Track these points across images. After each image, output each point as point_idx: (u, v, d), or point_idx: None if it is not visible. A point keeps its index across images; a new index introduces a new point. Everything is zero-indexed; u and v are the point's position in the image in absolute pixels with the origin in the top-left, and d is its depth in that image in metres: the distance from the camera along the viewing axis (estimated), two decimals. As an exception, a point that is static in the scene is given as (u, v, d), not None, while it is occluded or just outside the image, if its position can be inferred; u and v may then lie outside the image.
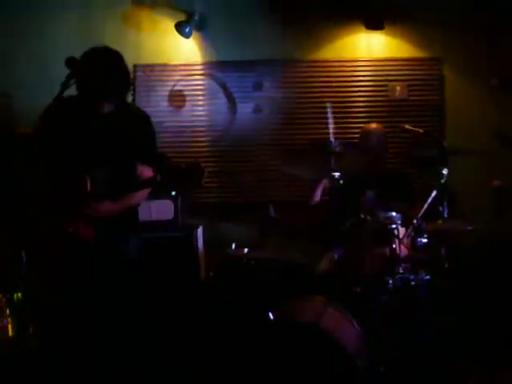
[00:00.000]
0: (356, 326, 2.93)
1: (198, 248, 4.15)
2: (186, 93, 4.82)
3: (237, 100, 4.80)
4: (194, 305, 3.82)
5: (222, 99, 4.81)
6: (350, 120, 4.79)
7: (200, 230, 4.23)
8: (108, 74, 2.64)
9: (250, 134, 4.79)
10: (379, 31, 4.79)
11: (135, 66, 4.70)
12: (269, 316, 2.86)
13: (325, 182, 3.83)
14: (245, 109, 4.80)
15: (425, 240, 3.23)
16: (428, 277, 3.17)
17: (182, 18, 4.65)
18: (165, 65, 4.82)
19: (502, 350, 3.46)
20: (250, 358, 2.71)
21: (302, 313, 2.94)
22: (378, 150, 3.87)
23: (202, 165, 2.66)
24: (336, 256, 3.39)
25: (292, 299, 3.10)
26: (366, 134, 3.97)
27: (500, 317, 3.77)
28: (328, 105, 3.49)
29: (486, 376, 3.22)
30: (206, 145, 4.84)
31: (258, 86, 4.78)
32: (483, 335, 3.67)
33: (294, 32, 4.79)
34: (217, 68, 4.82)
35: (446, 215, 3.39)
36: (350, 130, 4.65)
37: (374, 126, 4.02)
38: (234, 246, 3.67)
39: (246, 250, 3.58)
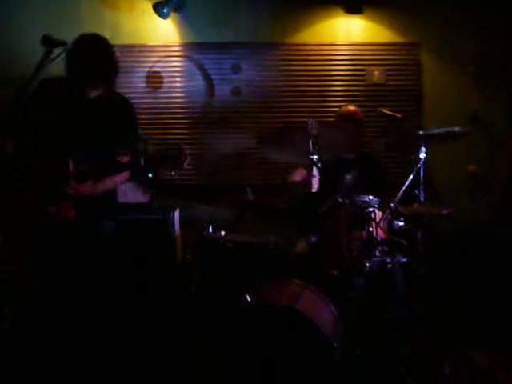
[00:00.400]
0: (333, 308, 2.94)
1: (174, 230, 4.12)
2: (163, 74, 4.77)
3: (215, 82, 4.77)
4: (170, 287, 3.80)
5: (199, 81, 4.78)
6: (328, 104, 4.81)
7: (177, 213, 4.20)
8: (98, 61, 2.68)
9: (228, 116, 4.77)
10: (358, 16, 4.80)
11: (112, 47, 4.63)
12: (246, 298, 2.85)
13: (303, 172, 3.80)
14: (223, 91, 4.78)
15: (401, 223, 3.25)
16: (404, 260, 3.20)
17: (160, -2, 4.58)
18: (142, 46, 4.75)
19: (478, 333, 3.51)
20: (227, 340, 2.71)
21: (279, 296, 2.93)
22: (355, 132, 3.87)
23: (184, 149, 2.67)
24: (313, 239, 3.40)
25: (269, 282, 3.09)
26: (343, 116, 3.97)
27: (475, 299, 3.83)
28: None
29: (461, 358, 3.28)
30: (183, 127, 4.81)
31: (236, 69, 4.75)
32: (458, 318, 3.73)
33: (272, 15, 4.76)
34: (195, 50, 4.78)
35: (422, 199, 3.41)
36: (328, 114, 4.66)
37: (350, 108, 4.00)
38: (210, 229, 3.65)
39: (222, 232, 3.56)
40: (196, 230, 3.77)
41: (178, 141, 4.49)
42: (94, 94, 2.77)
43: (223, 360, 2.68)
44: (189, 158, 2.72)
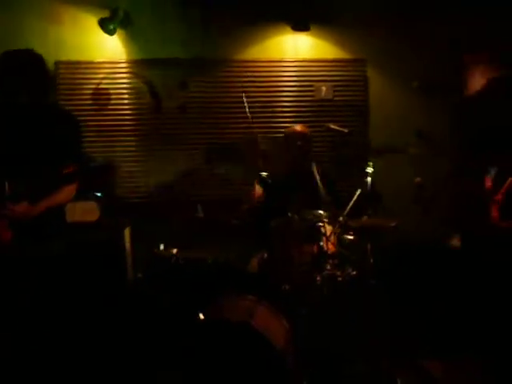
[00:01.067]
0: (285, 323, 2.95)
1: (124, 249, 4.06)
2: (110, 91, 4.71)
3: (162, 99, 4.72)
4: (121, 307, 3.72)
5: (147, 98, 4.72)
6: (277, 120, 4.84)
7: (127, 231, 4.14)
8: (17, 74, 2.62)
9: (176, 133, 4.74)
10: (305, 32, 4.86)
11: (57, 63, 4.56)
12: (199, 316, 2.82)
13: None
14: (171, 108, 4.74)
15: (350, 237, 3.30)
16: (354, 272, 3.24)
17: (105, 14, 4.52)
18: (88, 62, 4.68)
19: (429, 342, 3.58)
20: (181, 358, 2.68)
21: (233, 312, 2.92)
22: (303, 150, 3.92)
23: (115, 163, 2.62)
24: (265, 254, 3.41)
25: (223, 298, 3.08)
26: (290, 135, 4.01)
27: (423, 310, 3.90)
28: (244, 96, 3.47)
29: (413, 367, 3.33)
30: (131, 144, 4.75)
31: (183, 85, 4.73)
32: (410, 328, 3.79)
33: (220, 31, 4.78)
34: (142, 66, 4.73)
35: (370, 212, 3.47)
36: (277, 130, 4.70)
37: (297, 127, 4.05)
38: (162, 246, 3.61)
39: (174, 250, 3.53)
40: (147, 248, 3.73)
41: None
42: (22, 105, 2.70)
43: (179, 376, 2.65)
44: (118, 169, 2.65)
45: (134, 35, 4.71)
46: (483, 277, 3.08)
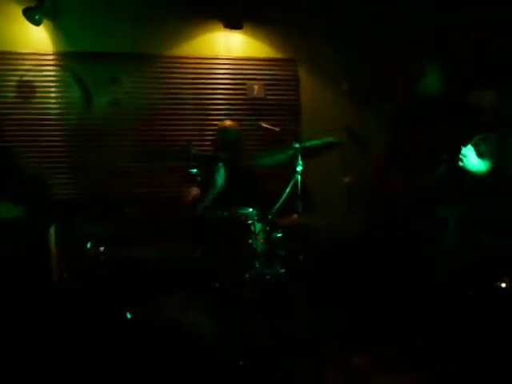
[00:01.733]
0: (216, 320, 2.95)
1: (49, 248, 3.93)
2: (35, 84, 4.53)
3: (92, 93, 4.59)
4: (45, 307, 3.60)
5: (76, 92, 4.58)
6: (209, 117, 4.82)
7: (52, 229, 4.01)
8: None
9: (106, 128, 4.62)
10: (238, 31, 4.86)
11: None
12: (127, 315, 2.78)
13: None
14: (100, 103, 4.61)
15: (279, 235, 3.33)
16: (283, 270, 3.27)
17: (31, 3, 4.33)
18: (12, 53, 4.47)
19: (355, 337, 3.65)
20: (110, 358, 2.67)
21: (163, 310, 2.90)
22: (233, 146, 3.92)
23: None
24: (195, 252, 3.38)
25: (152, 296, 3.05)
26: (221, 131, 4.00)
27: (351, 307, 3.98)
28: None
29: (342, 364, 3.39)
30: (58, 139, 4.59)
31: (114, 80, 4.61)
32: (335, 324, 3.85)
33: (153, 27, 4.70)
34: (71, 59, 4.58)
35: (300, 210, 3.51)
36: (209, 128, 4.68)
37: (228, 123, 4.05)
38: (89, 245, 3.52)
39: (102, 248, 3.45)
40: (74, 247, 3.63)
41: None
42: None
43: (109, 376, 2.62)
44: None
45: (62, 27, 4.55)
46: (408, 273, 3.18)
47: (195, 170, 3.19)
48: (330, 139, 3.60)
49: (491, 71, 4.30)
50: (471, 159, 3.00)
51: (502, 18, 4.25)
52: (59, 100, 4.60)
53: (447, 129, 3.14)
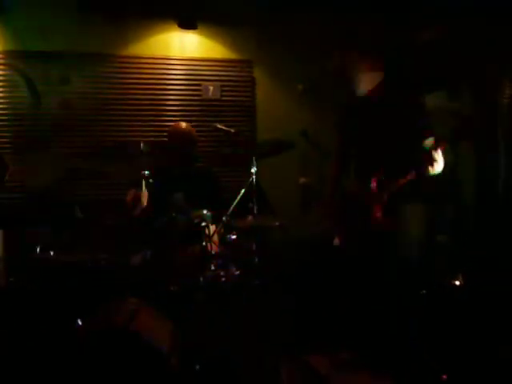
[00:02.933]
0: (170, 324, 2.90)
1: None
2: (-19, 83, 4.39)
3: (41, 93, 4.44)
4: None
5: (24, 92, 4.43)
6: (164, 118, 4.75)
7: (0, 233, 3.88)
8: None
9: (55, 129, 4.50)
10: (192, 31, 4.82)
11: None
12: (77, 322, 2.70)
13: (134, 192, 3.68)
14: (50, 103, 4.47)
15: (234, 237, 3.30)
16: (238, 272, 3.24)
17: (-24, 0, 4.21)
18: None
19: (313, 338, 3.66)
20: (60, 367, 2.57)
21: (112, 316, 2.83)
22: (187, 149, 3.87)
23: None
24: (148, 255, 3.32)
25: (103, 303, 2.98)
26: (174, 133, 3.94)
27: (309, 308, 3.99)
28: None
29: (298, 364, 3.38)
30: (5, 140, 4.45)
31: (65, 80, 4.49)
32: (293, 324, 3.85)
33: (104, 25, 4.61)
34: (19, 58, 4.44)
35: (255, 212, 3.48)
36: (163, 128, 4.60)
37: (181, 125, 3.99)
38: (38, 249, 3.41)
39: (51, 252, 3.36)
40: (23, 251, 3.51)
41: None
42: None
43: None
44: (11, 168, 2.49)
45: (8, 24, 4.42)
46: (363, 273, 3.18)
47: (147, 173, 3.14)
48: (284, 141, 3.58)
49: (441, 74, 4.38)
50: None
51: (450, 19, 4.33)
52: (6, 100, 4.47)
53: (398, 132, 3.14)
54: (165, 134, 4.41)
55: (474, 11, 4.20)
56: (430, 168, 2.96)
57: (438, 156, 2.97)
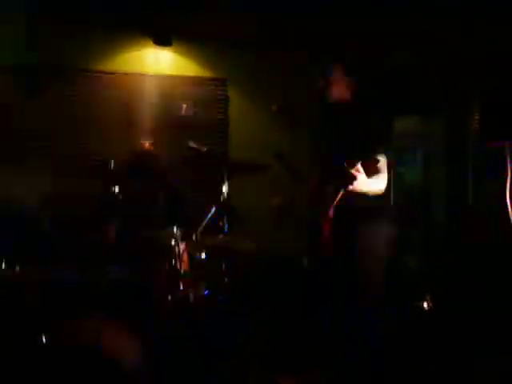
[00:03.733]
0: (138, 343, 2.86)
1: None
2: None
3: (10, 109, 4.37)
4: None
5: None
6: (136, 135, 4.69)
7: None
8: None
9: (24, 142, 4.43)
10: (167, 48, 4.82)
11: None
12: (42, 339, 2.64)
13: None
14: (18, 119, 4.41)
15: (203, 255, 3.27)
16: (207, 291, 3.21)
17: None
18: None
19: (284, 357, 3.64)
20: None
21: (78, 334, 2.79)
22: (150, 168, 3.85)
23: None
24: (116, 272, 3.27)
25: (68, 320, 2.93)
26: (138, 154, 3.92)
27: (278, 327, 3.97)
28: None
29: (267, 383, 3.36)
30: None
31: (33, 95, 4.41)
32: (265, 344, 3.83)
33: (77, 39, 4.57)
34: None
35: (226, 230, 3.47)
36: (136, 146, 4.54)
37: (143, 145, 3.97)
38: (3, 264, 3.34)
39: (17, 267, 3.29)
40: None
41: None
42: None
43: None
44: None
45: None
46: (329, 295, 3.18)
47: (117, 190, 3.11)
48: (257, 162, 3.58)
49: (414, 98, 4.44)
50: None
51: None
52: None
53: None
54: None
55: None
56: (351, 185, 2.86)
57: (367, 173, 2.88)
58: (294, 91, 5.00)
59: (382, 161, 2.95)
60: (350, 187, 2.81)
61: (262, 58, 5.04)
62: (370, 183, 2.90)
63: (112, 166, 3.18)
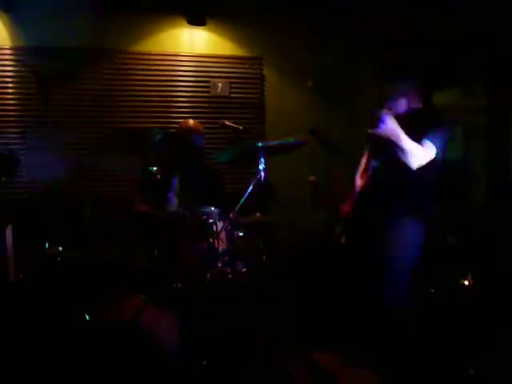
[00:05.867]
0: (176, 321, 2.91)
1: (6, 248, 3.80)
2: (-8, 78, 4.40)
3: (51, 89, 4.45)
4: (2, 309, 3.50)
5: (33, 87, 4.43)
6: (172, 114, 4.76)
7: (9, 229, 3.88)
8: None
9: (65, 126, 4.49)
10: (201, 27, 4.81)
11: None
12: (85, 317, 2.72)
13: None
14: (59, 98, 4.48)
15: (241, 233, 3.29)
16: (244, 269, 3.23)
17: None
18: (-34, 46, 4.33)
19: (319, 334, 3.66)
20: (67, 359, 2.62)
21: (120, 311, 2.86)
22: (195, 146, 3.87)
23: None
24: (155, 252, 3.32)
25: (110, 298, 3.00)
26: (182, 131, 3.94)
27: (315, 305, 3.98)
28: None
29: (304, 359, 3.38)
30: (15, 136, 4.47)
31: (74, 76, 4.49)
32: (300, 321, 3.86)
33: (113, 21, 4.61)
34: (29, 54, 4.45)
35: (263, 208, 3.47)
36: (172, 125, 4.59)
37: (190, 123, 3.98)
38: (47, 245, 3.43)
39: (60, 248, 3.37)
40: (31, 247, 3.52)
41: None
42: None
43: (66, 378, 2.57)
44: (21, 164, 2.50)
45: (19, 20, 4.43)
46: (369, 272, 3.16)
47: (155, 168, 3.13)
48: (293, 140, 3.55)
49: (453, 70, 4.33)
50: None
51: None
52: (17, 95, 4.47)
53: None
54: (172, 130, 4.41)
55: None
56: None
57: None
58: (329, 68, 4.96)
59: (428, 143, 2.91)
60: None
61: (297, 35, 5.00)
62: (407, 142, 2.81)
63: (157, 135, 3.19)
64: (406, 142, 2.81)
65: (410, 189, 3.00)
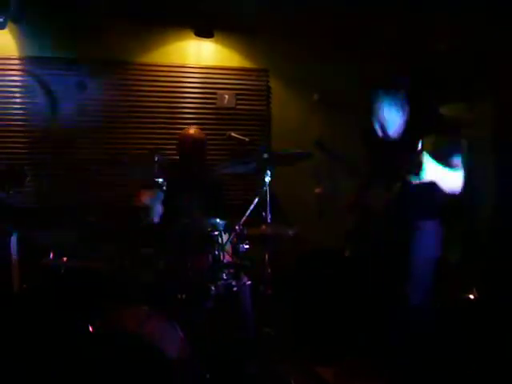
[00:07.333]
0: (180, 333, 2.89)
1: (11, 258, 3.81)
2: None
3: (58, 100, 4.47)
4: (6, 319, 3.49)
5: (41, 98, 4.46)
6: (178, 126, 4.74)
7: (14, 238, 3.89)
8: None
9: (72, 135, 4.50)
10: (208, 39, 4.83)
11: None
12: (88, 328, 2.70)
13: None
14: (67, 109, 4.49)
15: (246, 246, 3.28)
16: (250, 282, 3.22)
17: (-5, 6, 4.24)
18: (-27, 56, 4.36)
19: (323, 348, 3.64)
20: (70, 369, 2.57)
21: (123, 322, 2.84)
22: (195, 155, 3.88)
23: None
24: (160, 262, 3.31)
25: (113, 308, 2.98)
26: (183, 139, 3.95)
27: (318, 317, 3.97)
28: None
29: (307, 373, 3.36)
30: (22, 146, 4.48)
31: (81, 86, 4.51)
32: (303, 337, 3.85)
33: (121, 32, 4.63)
34: (37, 64, 4.47)
35: (269, 221, 3.46)
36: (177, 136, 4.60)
37: (191, 131, 4.00)
38: (51, 255, 3.42)
39: (64, 258, 3.37)
40: (35, 257, 3.52)
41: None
42: None
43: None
44: (29, 177, 2.51)
45: (27, 31, 4.45)
46: (372, 285, 3.16)
47: (161, 180, 3.14)
48: (299, 151, 3.56)
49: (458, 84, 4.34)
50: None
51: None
52: (24, 106, 4.49)
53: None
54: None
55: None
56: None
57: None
58: (336, 80, 4.96)
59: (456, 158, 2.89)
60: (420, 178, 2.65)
61: (304, 48, 5.01)
62: (445, 174, 2.77)
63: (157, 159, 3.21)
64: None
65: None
